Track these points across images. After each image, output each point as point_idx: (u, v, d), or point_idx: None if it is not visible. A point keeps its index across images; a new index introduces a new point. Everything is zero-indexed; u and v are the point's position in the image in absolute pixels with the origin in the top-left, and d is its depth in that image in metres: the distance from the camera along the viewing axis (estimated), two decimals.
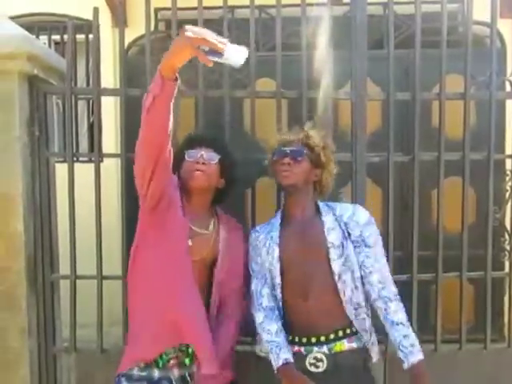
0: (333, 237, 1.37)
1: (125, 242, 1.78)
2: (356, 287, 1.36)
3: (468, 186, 1.81)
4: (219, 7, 1.78)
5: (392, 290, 1.38)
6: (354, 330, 1.37)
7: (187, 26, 1.05)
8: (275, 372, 1.34)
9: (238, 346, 1.55)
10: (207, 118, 1.74)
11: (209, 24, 1.73)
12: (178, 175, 1.44)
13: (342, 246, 1.36)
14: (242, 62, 1.05)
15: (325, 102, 1.75)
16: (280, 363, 1.32)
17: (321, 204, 1.46)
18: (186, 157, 1.41)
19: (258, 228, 1.52)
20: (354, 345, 1.35)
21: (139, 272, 1.39)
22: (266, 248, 1.42)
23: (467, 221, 1.82)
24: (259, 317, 1.40)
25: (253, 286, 1.45)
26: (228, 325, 1.43)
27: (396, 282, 1.77)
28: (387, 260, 1.47)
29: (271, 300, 1.41)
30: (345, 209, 1.44)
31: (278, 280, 1.39)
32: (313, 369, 1.33)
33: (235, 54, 1.04)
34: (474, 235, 1.86)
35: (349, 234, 1.38)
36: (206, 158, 1.39)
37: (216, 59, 1.04)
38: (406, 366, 1.28)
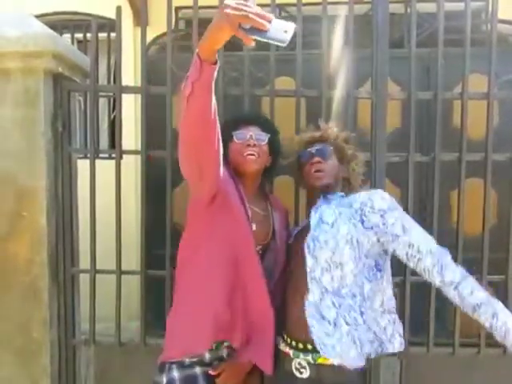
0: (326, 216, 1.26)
1: (143, 239, 1.81)
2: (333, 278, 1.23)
3: (490, 188, 1.78)
4: None
5: (456, 270, 1.19)
6: None
7: (226, 1, 0.92)
8: None
9: None
10: (226, 115, 1.74)
11: None
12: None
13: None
14: (288, 41, 0.91)
15: (345, 101, 1.74)
16: None
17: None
18: (234, 139, 1.36)
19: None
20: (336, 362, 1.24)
21: (197, 270, 1.31)
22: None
23: (488, 223, 1.80)
24: None
25: None
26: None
27: (413, 284, 1.78)
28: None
29: None
30: (356, 196, 1.30)
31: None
32: (297, 374, 1.30)
33: (280, 32, 0.91)
34: (495, 238, 1.82)
35: (362, 222, 1.24)
36: (256, 139, 1.35)
37: (258, 38, 0.91)
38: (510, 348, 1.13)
